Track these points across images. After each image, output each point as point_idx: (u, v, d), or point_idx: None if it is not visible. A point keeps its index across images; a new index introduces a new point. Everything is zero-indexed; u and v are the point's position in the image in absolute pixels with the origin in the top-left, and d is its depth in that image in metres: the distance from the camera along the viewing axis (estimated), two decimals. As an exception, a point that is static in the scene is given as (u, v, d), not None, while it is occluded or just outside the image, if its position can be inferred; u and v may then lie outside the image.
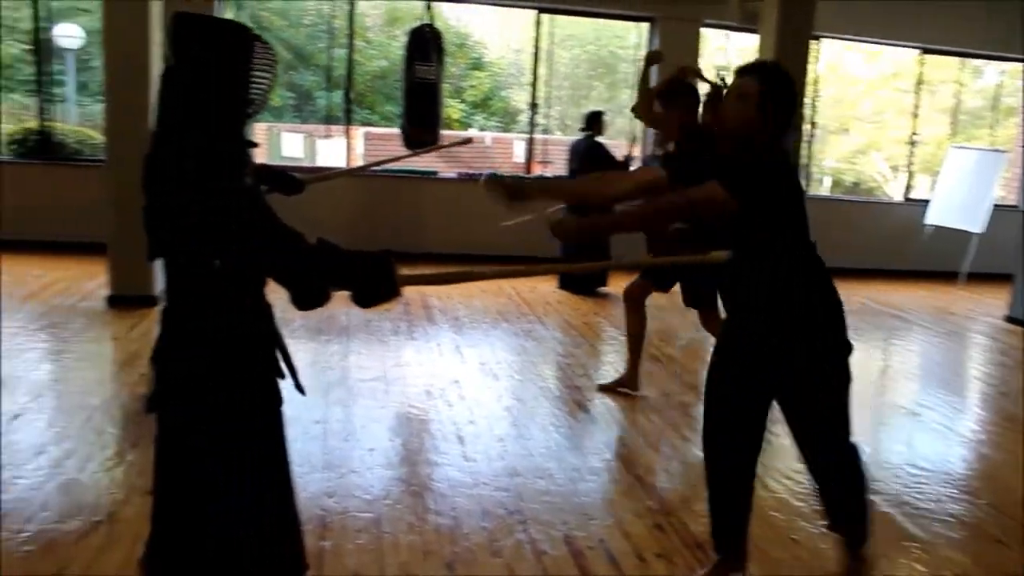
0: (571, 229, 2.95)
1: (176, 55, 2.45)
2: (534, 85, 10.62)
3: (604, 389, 5.60)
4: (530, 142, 10.69)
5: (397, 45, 12.73)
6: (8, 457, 4.10)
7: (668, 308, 8.05)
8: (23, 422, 4.54)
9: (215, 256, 2.41)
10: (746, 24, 8.85)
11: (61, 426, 4.55)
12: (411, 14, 15.90)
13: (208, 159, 2.38)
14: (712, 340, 3.97)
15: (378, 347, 6.25)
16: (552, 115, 12.85)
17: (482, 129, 17.23)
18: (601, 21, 12.51)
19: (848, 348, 3.01)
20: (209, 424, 2.47)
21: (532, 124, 10.66)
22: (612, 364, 6.17)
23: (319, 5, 14.77)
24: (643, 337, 5.53)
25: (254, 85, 2.48)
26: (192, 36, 2.44)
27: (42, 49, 9.43)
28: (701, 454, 3.31)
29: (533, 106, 10.61)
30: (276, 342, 2.56)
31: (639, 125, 8.73)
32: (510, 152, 14.25)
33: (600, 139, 8.48)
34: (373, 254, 2.47)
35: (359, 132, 11.73)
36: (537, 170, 10.58)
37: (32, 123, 9.41)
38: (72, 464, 4.09)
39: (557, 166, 11.04)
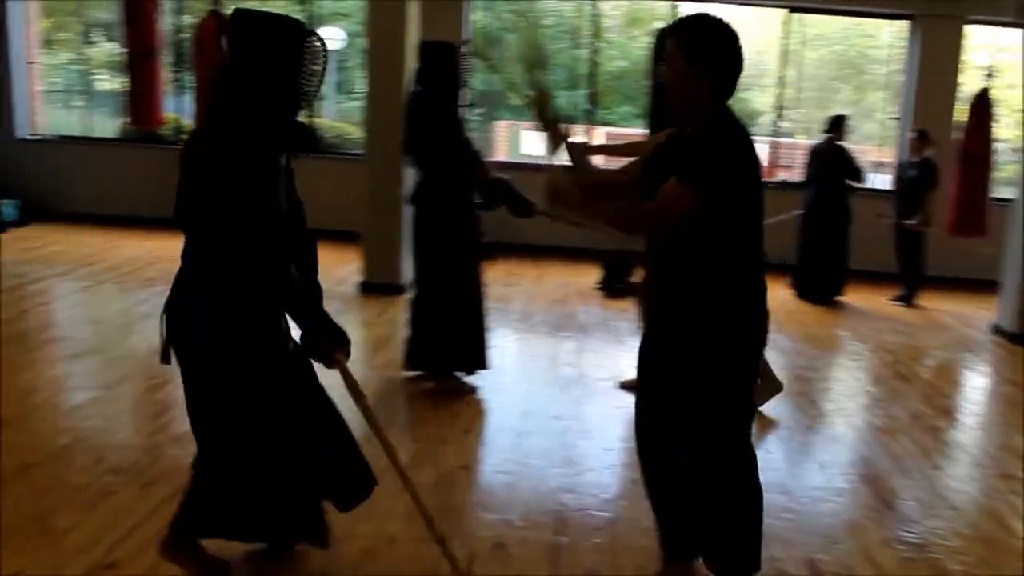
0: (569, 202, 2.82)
1: (232, 49, 2.65)
2: (780, 87, 10.31)
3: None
4: (774, 146, 10.38)
5: (637, 46, 12.73)
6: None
7: (920, 325, 7.63)
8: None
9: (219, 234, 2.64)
10: (1021, 19, 8.22)
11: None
12: (651, 15, 15.86)
13: (238, 152, 2.59)
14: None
15: (614, 346, 6.27)
16: (796, 118, 12.41)
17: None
18: (851, 20, 11.95)
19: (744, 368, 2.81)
20: (219, 366, 2.74)
21: (776, 127, 10.35)
22: (857, 380, 5.90)
23: (561, 5, 14.95)
24: None
25: (304, 75, 2.64)
26: (247, 31, 2.61)
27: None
28: (955, 485, 3.09)
29: (778, 109, 10.30)
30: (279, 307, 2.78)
31: (890, 129, 8.29)
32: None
33: (843, 143, 8.16)
34: (325, 325, 2.77)
35: (599, 132, 11.79)
36: (778, 175, 10.25)
37: (300, 119, 10.12)
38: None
39: (798, 171, 10.67)
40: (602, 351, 6.15)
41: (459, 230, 4.84)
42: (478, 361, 5.01)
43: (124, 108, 8.65)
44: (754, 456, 2.93)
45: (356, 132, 10.29)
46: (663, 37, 5.89)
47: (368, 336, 6.27)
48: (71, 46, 11.39)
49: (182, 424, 4.50)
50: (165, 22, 9.00)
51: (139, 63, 8.15)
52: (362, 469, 3.03)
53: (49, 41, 10.89)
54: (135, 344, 5.63)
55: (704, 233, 2.67)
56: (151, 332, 5.71)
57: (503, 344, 5.48)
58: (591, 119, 10.21)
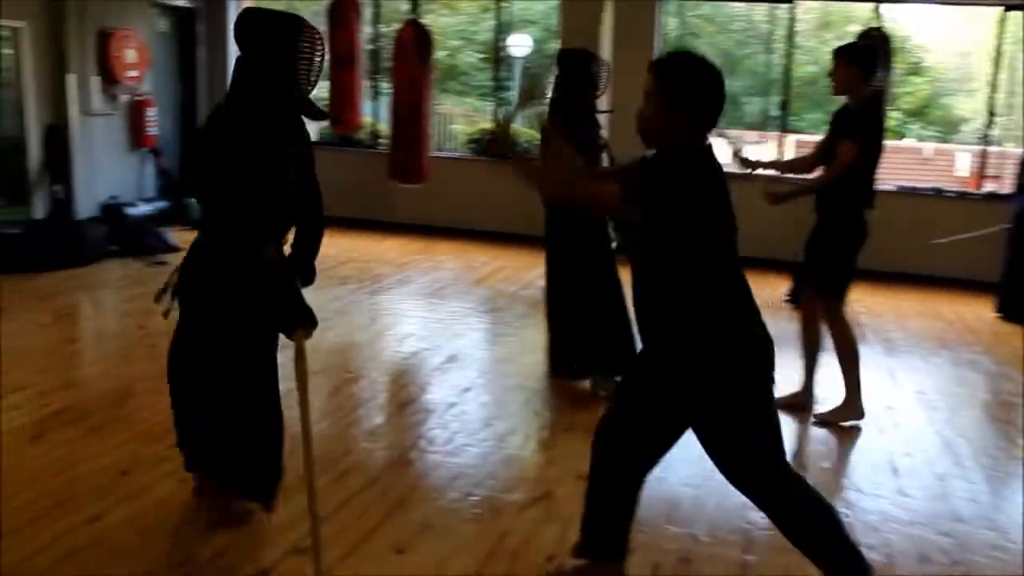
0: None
1: (238, 44, 3.01)
2: (990, 91, 9.66)
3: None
4: (982, 155, 9.74)
5: (828, 50, 12.26)
6: (460, 425, 4.52)
7: None
8: (472, 395, 4.98)
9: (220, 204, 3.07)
10: None
11: (504, 403, 4.94)
12: (845, 17, 15.24)
13: (243, 131, 2.96)
14: None
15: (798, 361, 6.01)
16: (1007, 125, 11.60)
17: (919, 139, 16.03)
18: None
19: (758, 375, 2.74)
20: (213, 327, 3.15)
21: (985, 135, 9.71)
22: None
23: (751, 9, 14.59)
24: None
25: (301, 64, 2.97)
26: (247, 26, 3.02)
27: (496, 58, 10.29)
28: None
29: (988, 115, 9.65)
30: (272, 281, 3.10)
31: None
32: (951, 165, 13.09)
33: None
34: (294, 301, 3.10)
35: (789, 139, 11.44)
36: (985, 186, 9.60)
37: (486, 124, 10.32)
38: (514, 440, 4.41)
39: (1008, 181, 9.95)
40: (792, 365, 5.91)
41: (591, 232, 4.86)
42: (622, 363, 4.81)
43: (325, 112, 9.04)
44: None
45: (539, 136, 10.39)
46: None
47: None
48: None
49: (375, 418, 4.72)
50: (364, 30, 9.35)
51: (340, 69, 8.53)
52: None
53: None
54: (330, 339, 5.86)
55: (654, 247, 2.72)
56: (344, 328, 6.00)
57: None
58: (782, 126, 9.88)
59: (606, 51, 7.05)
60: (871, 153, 4.57)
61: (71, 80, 8.63)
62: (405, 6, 10.40)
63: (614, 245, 4.93)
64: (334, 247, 8.62)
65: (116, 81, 8.93)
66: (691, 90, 2.68)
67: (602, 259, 4.90)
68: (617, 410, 2.99)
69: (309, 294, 3.32)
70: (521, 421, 4.70)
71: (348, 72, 8.51)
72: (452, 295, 7.20)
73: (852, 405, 4.84)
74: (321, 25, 9.75)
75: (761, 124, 12.92)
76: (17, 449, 4.01)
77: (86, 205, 8.81)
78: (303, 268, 3.32)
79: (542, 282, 7.22)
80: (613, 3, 7.14)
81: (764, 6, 10.40)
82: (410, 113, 8.37)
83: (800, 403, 4.95)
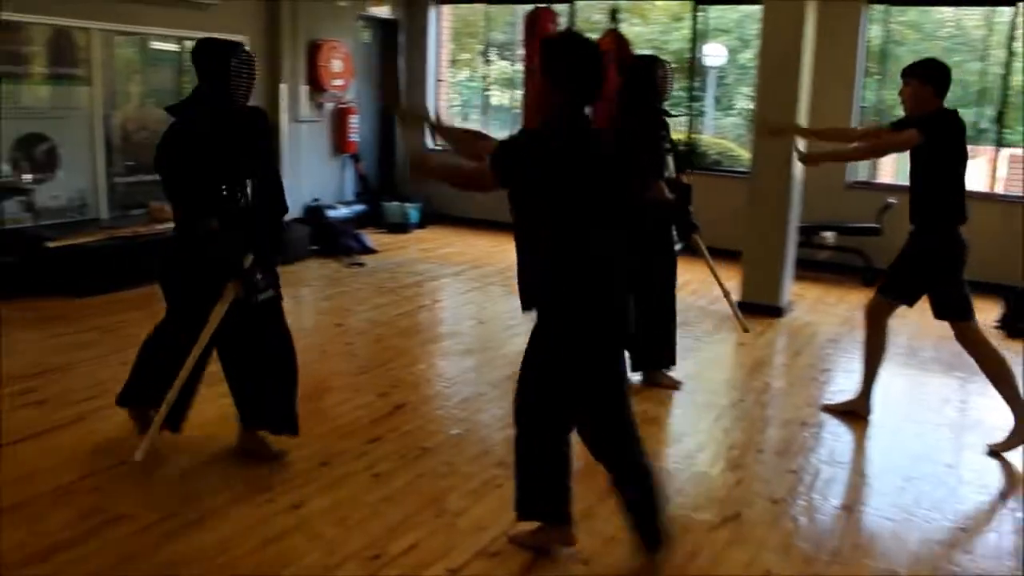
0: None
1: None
2: None
3: (829, 409, 4.97)
4: None
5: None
6: (649, 440, 4.43)
7: None
8: (661, 411, 4.90)
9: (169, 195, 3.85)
10: None
11: (693, 420, 4.84)
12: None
13: (179, 136, 3.71)
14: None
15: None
16: None
17: None
18: None
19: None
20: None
21: None
22: None
23: (963, 15, 13.75)
24: (879, 358, 4.80)
25: (233, 82, 3.69)
26: (196, 52, 3.78)
27: (689, 68, 10.15)
28: None
29: None
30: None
31: None
32: None
33: None
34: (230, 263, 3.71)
35: (1003, 153, 10.68)
36: None
37: (680, 135, 10.19)
38: (702, 458, 4.31)
39: None
40: (989, 393, 5.51)
41: (657, 238, 5.09)
42: (670, 358, 5.27)
43: (518, 120, 9.18)
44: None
45: (734, 148, 10.17)
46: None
47: (744, 357, 6.12)
48: (470, 65, 12.33)
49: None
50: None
51: (534, 77, 8.61)
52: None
53: (454, 61, 11.85)
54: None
55: (522, 223, 3.06)
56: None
57: (889, 380, 5.10)
58: (997, 140, 9.23)
59: (807, 59, 6.78)
60: (958, 165, 4.51)
61: (283, 89, 9.14)
62: (597, 16, 10.43)
63: (678, 247, 5.27)
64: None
65: (323, 89, 9.41)
66: (563, 67, 2.85)
67: (664, 263, 5.19)
68: (519, 377, 3.20)
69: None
70: (710, 439, 4.59)
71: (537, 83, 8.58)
72: (639, 307, 7.12)
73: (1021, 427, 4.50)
74: (517, 35, 9.92)
75: (973, 138, 12.12)
76: (227, 435, 4.25)
77: (291, 207, 9.27)
78: (260, 239, 3.88)
79: (733, 297, 7.07)
80: (815, 10, 6.86)
81: (979, 10, 9.74)
82: (607, 125, 8.35)
83: (856, 407, 4.90)
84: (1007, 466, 4.38)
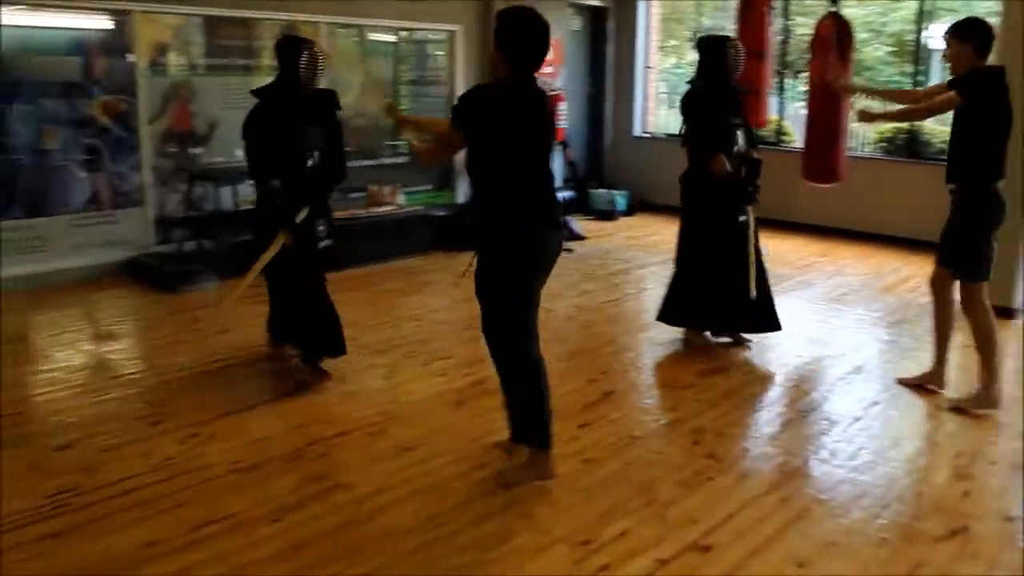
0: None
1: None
2: None
3: (904, 383, 5.02)
4: None
5: None
6: (866, 440, 4.27)
7: None
8: (879, 410, 4.68)
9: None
10: None
11: (914, 423, 4.60)
12: None
13: (256, 114, 4.60)
14: None
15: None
16: None
17: None
18: None
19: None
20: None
21: None
22: None
23: None
24: (948, 330, 4.85)
25: (301, 71, 4.50)
26: (276, 47, 4.63)
27: (909, 51, 9.58)
28: None
29: None
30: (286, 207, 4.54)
31: None
32: None
33: None
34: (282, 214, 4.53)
35: None
36: None
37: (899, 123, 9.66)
38: (924, 464, 4.09)
39: None
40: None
41: (717, 207, 5.33)
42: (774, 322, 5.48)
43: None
44: (527, 345, 3.60)
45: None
46: None
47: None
48: (677, 52, 12.14)
49: (775, 423, 4.59)
50: (775, 25, 9.13)
51: (749, 62, 8.38)
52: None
53: (662, 48, 11.71)
54: (723, 337, 5.80)
55: (471, 162, 3.54)
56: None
57: None
58: None
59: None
60: (996, 123, 4.47)
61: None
62: (811, -1, 10.03)
63: (742, 219, 5.35)
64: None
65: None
66: (505, 36, 3.38)
67: (733, 232, 5.34)
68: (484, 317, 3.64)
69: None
70: (932, 444, 4.35)
71: (758, 65, 8.34)
72: (856, 302, 6.82)
73: (989, 393, 4.64)
74: (728, 22, 9.68)
75: None
76: (442, 413, 4.42)
77: (501, 193, 9.48)
78: (319, 198, 4.69)
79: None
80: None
81: None
82: (827, 110, 8.03)
83: (931, 381, 4.94)
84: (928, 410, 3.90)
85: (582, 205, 10.10)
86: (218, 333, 5.51)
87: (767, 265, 5.55)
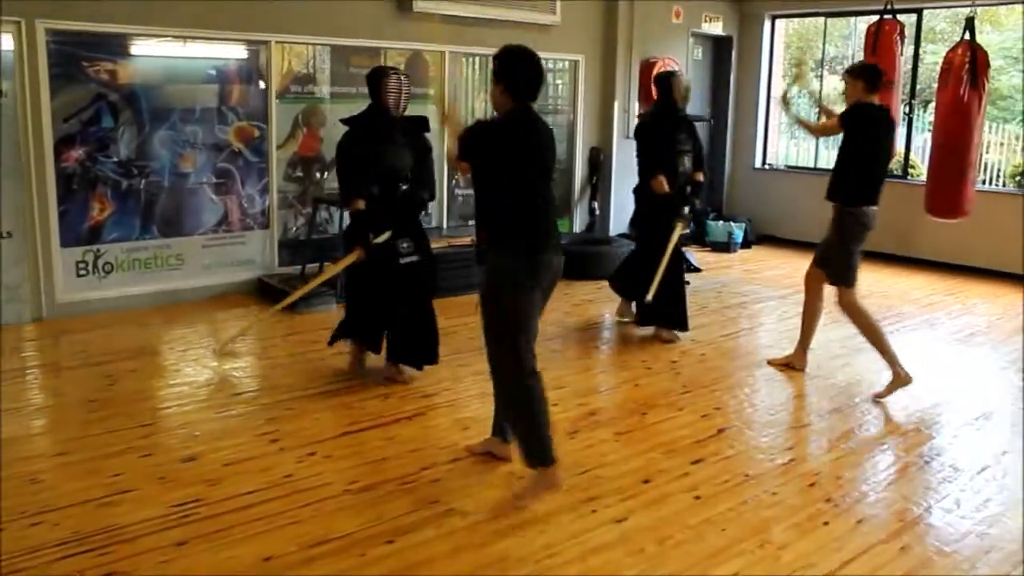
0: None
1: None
2: None
3: (771, 363, 5.89)
4: None
5: None
6: (995, 491, 4.08)
7: None
8: (1010, 459, 4.45)
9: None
10: None
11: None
12: None
13: (351, 141, 4.92)
14: None
15: None
16: None
17: None
18: None
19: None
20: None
21: None
22: None
23: None
24: (813, 321, 5.69)
25: (386, 98, 4.84)
26: (367, 77, 4.98)
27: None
28: None
29: None
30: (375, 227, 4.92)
31: None
32: None
33: None
34: (357, 233, 4.94)
35: None
36: None
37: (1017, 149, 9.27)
38: None
39: None
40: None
41: (655, 219, 6.19)
42: (680, 322, 6.37)
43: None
44: (521, 362, 3.71)
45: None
46: None
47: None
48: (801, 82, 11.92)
49: (893, 468, 4.42)
50: (905, 52, 8.88)
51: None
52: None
53: (784, 77, 11.52)
54: (848, 376, 5.65)
55: (477, 187, 3.84)
56: (858, 368, 5.73)
57: None
58: None
59: None
60: (868, 154, 5.22)
61: (616, 106, 9.36)
62: (942, 25, 9.73)
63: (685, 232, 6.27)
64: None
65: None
66: (504, 72, 3.71)
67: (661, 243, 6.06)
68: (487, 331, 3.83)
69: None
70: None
71: (885, 95, 8.12)
72: (985, 343, 6.55)
73: (898, 376, 5.22)
74: (854, 49, 9.46)
75: None
76: (555, 441, 4.41)
77: (617, 222, 9.49)
78: (406, 218, 5.02)
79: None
80: None
81: None
82: (955, 141, 7.77)
83: (795, 363, 5.75)
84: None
85: (699, 237, 10.00)
86: (336, 354, 5.65)
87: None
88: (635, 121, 9.45)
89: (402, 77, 4.91)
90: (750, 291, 8.11)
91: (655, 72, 9.31)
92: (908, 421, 5.00)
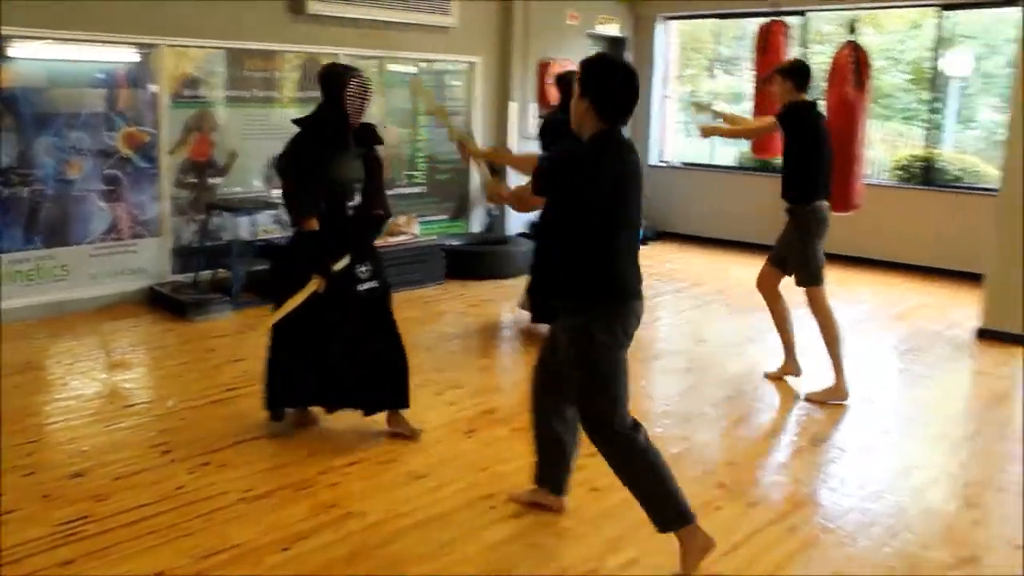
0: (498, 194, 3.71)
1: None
2: None
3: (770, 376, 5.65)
4: None
5: None
6: (876, 470, 4.26)
7: None
8: (890, 440, 4.67)
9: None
10: None
11: (925, 452, 4.57)
12: None
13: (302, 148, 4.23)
14: None
15: None
16: None
17: None
18: None
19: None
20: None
21: None
22: None
23: None
24: (784, 323, 5.55)
25: (347, 102, 4.17)
26: (320, 76, 4.32)
27: (926, 78, 9.61)
28: None
29: None
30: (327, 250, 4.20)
31: None
32: None
33: None
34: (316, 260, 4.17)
35: None
36: None
37: (915, 150, 9.66)
38: (935, 493, 4.07)
39: None
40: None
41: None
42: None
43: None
44: (625, 420, 3.28)
45: (976, 164, 9.51)
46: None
47: (980, 389, 5.72)
48: (694, 81, 12.20)
49: (784, 451, 4.59)
50: (792, 53, 9.16)
51: (764, 90, 8.44)
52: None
53: (679, 77, 11.77)
54: (741, 366, 5.80)
55: (557, 224, 3.29)
56: (755, 357, 5.90)
57: None
58: None
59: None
60: (811, 149, 5.20)
61: (512, 107, 9.42)
62: (828, 27, 10.05)
63: None
64: (748, 273, 8.53)
65: (551, 107, 9.60)
66: (594, 85, 3.11)
67: None
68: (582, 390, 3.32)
69: (718, 319, 3.31)
70: (944, 473, 4.32)
71: (773, 96, 8.38)
72: (869, 331, 6.81)
73: (838, 389, 5.17)
74: (747, 50, 9.74)
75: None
76: (453, 441, 4.44)
77: (517, 222, 9.56)
78: (360, 239, 4.39)
79: (972, 322, 6.64)
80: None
81: None
82: (842, 138, 8.04)
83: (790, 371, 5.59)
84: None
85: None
86: (231, 362, 5.56)
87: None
88: (533, 121, 9.56)
89: (365, 80, 4.27)
90: (646, 287, 8.22)
91: (553, 72, 9.47)
92: (799, 407, 5.16)
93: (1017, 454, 4.51)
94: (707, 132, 5.88)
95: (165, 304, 6.82)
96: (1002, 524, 3.77)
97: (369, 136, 4.44)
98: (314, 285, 4.15)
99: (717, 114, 6.28)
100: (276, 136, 7.69)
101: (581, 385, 3.27)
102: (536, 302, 6.21)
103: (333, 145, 4.24)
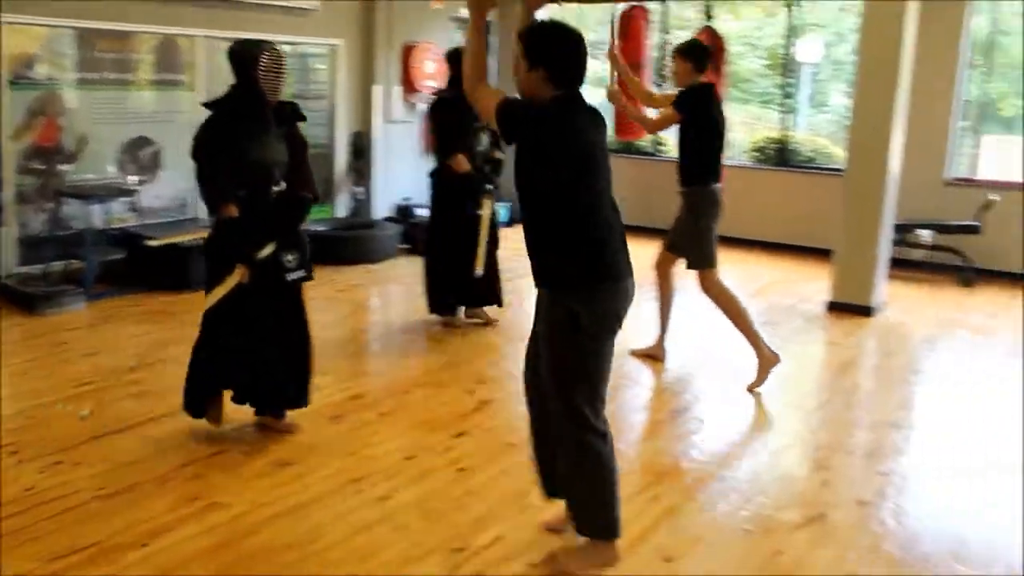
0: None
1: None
2: None
3: (635, 354, 5.67)
4: None
5: None
6: (734, 438, 4.44)
7: None
8: (747, 410, 4.86)
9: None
10: None
11: (779, 420, 4.79)
12: None
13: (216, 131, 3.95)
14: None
15: None
16: None
17: None
18: None
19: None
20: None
21: None
22: None
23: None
24: (668, 307, 5.64)
25: (262, 80, 3.91)
26: (230, 52, 4.04)
27: (781, 63, 10.01)
28: None
29: None
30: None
31: None
32: None
33: None
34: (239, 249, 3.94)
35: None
36: None
37: (771, 133, 10.04)
38: (788, 458, 4.27)
39: None
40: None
41: (455, 200, 6.02)
42: (496, 297, 6.34)
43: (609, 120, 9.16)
44: (596, 417, 3.14)
45: (827, 146, 9.97)
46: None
47: (832, 357, 6.02)
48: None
49: (647, 424, 4.71)
50: (653, 38, 9.38)
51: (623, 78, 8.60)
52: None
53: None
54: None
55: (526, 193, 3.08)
56: (621, 335, 6.01)
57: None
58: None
59: (907, 52, 6.60)
60: (708, 132, 5.17)
61: (376, 91, 9.32)
62: (690, 13, 10.34)
63: (478, 212, 6.00)
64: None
65: (415, 90, 9.55)
66: (545, 55, 2.99)
67: (468, 222, 5.97)
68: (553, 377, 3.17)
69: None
70: (796, 439, 4.53)
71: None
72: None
73: (765, 359, 5.12)
74: (599, 37, 9.90)
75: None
76: (319, 427, 4.38)
77: (382, 206, 9.48)
78: (285, 225, 4.11)
79: (823, 296, 6.96)
80: (919, 3, 6.66)
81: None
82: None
83: (655, 355, 5.62)
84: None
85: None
86: (85, 355, 5.34)
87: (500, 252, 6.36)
88: (398, 104, 9.48)
89: (277, 54, 3.99)
90: (511, 268, 8.27)
91: (418, 56, 9.41)
92: (660, 382, 5.33)
93: (863, 419, 4.77)
94: (613, 98, 5.54)
95: (11, 297, 6.48)
96: (849, 485, 3.98)
97: (290, 114, 4.19)
98: (237, 276, 3.94)
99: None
100: (131, 120, 7.45)
101: (559, 376, 3.12)
102: (433, 292, 6.20)
103: (251, 125, 3.98)
